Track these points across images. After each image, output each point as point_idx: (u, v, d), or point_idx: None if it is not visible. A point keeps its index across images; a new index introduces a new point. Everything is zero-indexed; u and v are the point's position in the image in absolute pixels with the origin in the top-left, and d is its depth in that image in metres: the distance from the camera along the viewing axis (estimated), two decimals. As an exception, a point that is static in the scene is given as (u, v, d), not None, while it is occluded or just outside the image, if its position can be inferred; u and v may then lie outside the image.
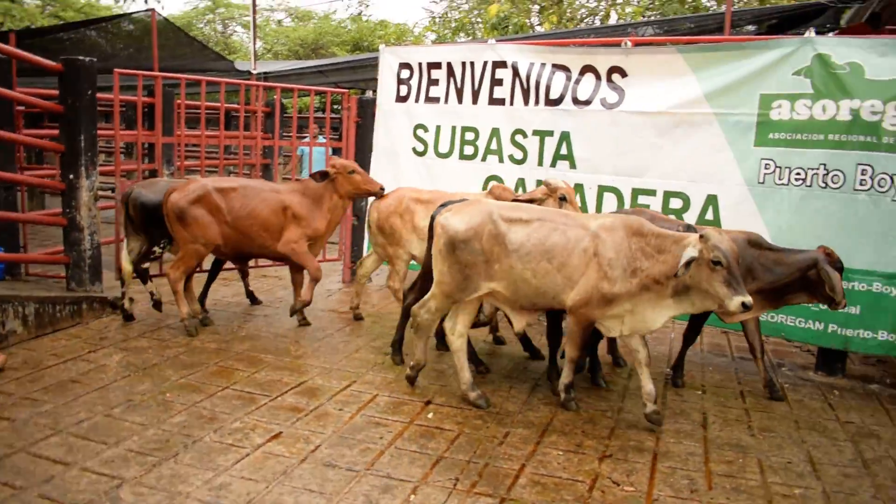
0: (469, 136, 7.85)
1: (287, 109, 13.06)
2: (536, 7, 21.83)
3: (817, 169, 6.02)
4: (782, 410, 5.42)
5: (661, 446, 4.64)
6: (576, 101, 7.11)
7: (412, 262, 6.83)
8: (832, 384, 6.14)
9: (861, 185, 5.90)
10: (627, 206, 6.83)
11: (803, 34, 6.20)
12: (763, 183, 6.21)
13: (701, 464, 4.41)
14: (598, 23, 20.90)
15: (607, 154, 6.96)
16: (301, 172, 12.12)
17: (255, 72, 14.04)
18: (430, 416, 4.95)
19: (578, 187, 7.05)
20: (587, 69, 7.09)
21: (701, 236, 4.41)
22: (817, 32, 6.19)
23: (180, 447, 4.29)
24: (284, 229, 6.51)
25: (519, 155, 7.53)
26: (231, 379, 5.47)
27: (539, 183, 7.17)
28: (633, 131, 6.78)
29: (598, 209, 7.01)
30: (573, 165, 7.16)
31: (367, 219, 7.20)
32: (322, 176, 6.59)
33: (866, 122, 5.87)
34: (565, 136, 7.19)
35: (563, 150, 7.21)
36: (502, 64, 7.60)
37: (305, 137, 12.57)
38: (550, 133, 7.28)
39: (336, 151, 9.65)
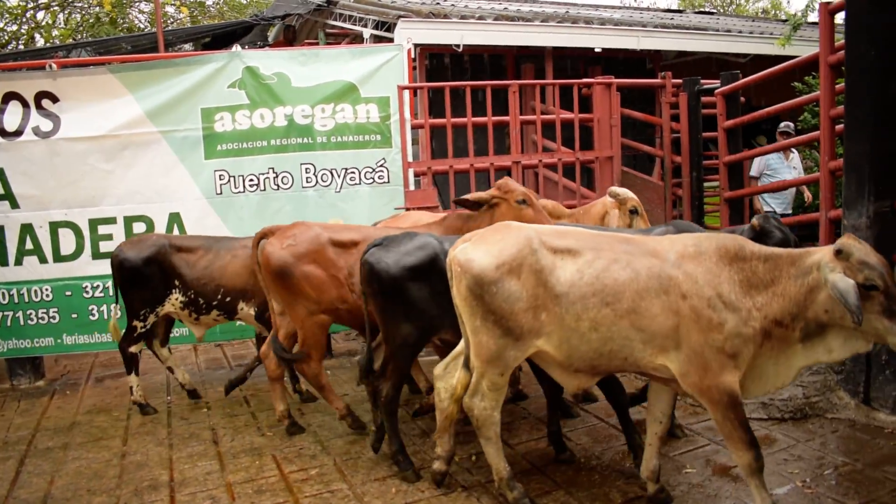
0: None
1: None
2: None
3: (267, 173, 6.44)
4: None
5: (177, 476, 4.46)
6: (3, 133, 6.31)
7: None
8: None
9: (308, 182, 6.49)
10: (87, 240, 6.36)
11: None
12: (221, 194, 6.39)
13: (220, 479, 4.36)
14: (22, 48, 18.95)
15: (54, 187, 6.34)
16: None
17: None
18: None
19: (27, 228, 6.31)
20: (11, 97, 6.34)
21: (838, 252, 3.13)
22: (252, 48, 6.60)
23: None
24: None
25: (-57, 202, 6.40)
26: None
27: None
28: (79, 159, 6.31)
29: (55, 250, 6.37)
30: (14, 205, 6.34)
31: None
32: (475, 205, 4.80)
33: (300, 126, 6.49)
34: (-1, 174, 6.35)
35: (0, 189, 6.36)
36: None
37: None
38: (-20, 172, 6.35)
39: None
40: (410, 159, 6.78)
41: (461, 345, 3.88)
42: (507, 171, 7.34)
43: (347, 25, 11.12)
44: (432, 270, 4.03)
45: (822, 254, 3.19)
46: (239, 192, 6.41)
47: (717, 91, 7.63)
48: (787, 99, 7.35)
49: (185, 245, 5.62)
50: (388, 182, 6.62)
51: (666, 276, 3.33)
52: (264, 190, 6.43)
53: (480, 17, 10.06)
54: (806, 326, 3.23)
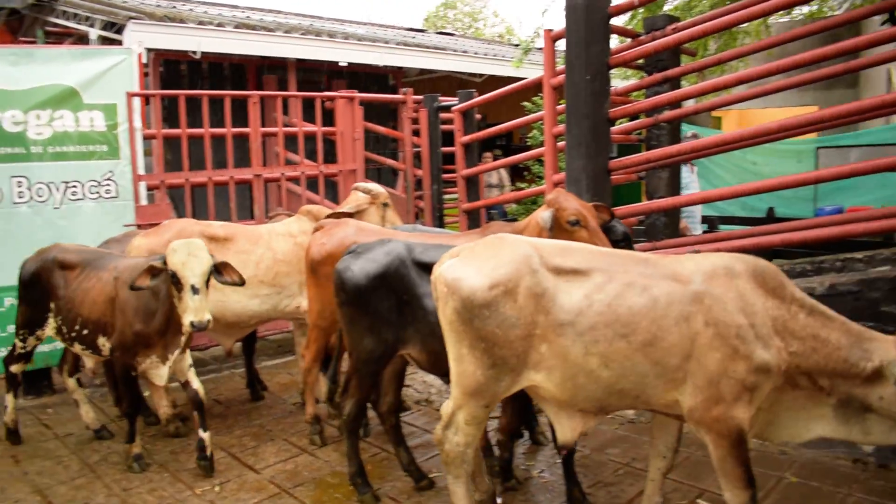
0: None
1: None
2: None
3: (-30, 187, 5.66)
4: (-3, 451, 5.00)
5: None
6: None
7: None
8: (44, 404, 5.98)
9: (20, 197, 5.80)
10: None
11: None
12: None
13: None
14: None
15: None
16: None
17: None
18: None
19: None
20: None
21: None
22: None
23: None
24: None
25: None
26: None
27: None
28: None
29: None
30: None
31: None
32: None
33: (11, 134, 5.78)
34: None
35: None
36: None
37: None
38: None
39: None
40: (142, 172, 6.31)
41: None
42: (247, 185, 7.13)
43: (72, 24, 10.15)
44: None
45: (890, 345, 2.88)
46: (-64, 207, 5.57)
47: (454, 108, 8.01)
48: (520, 117, 7.93)
49: (69, 260, 4.68)
50: (117, 197, 6.10)
51: (688, 301, 2.93)
52: (-33, 205, 5.65)
53: (220, 24, 9.70)
54: (848, 400, 2.94)
